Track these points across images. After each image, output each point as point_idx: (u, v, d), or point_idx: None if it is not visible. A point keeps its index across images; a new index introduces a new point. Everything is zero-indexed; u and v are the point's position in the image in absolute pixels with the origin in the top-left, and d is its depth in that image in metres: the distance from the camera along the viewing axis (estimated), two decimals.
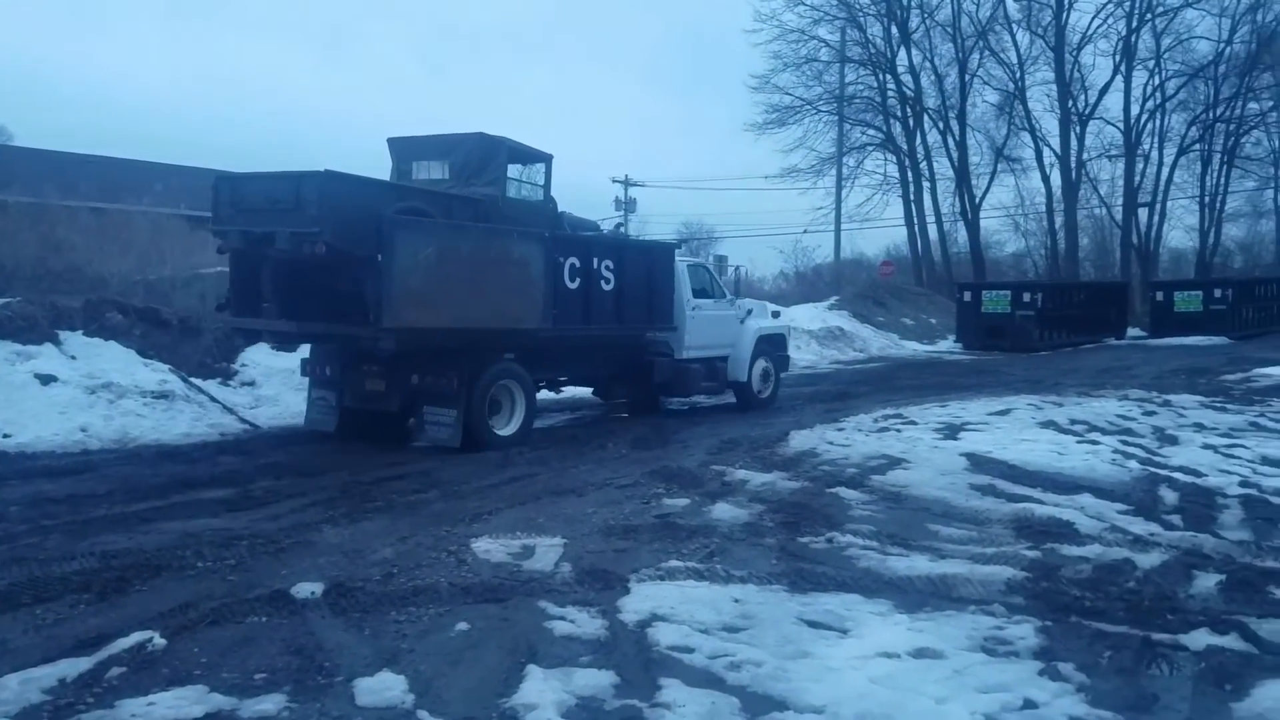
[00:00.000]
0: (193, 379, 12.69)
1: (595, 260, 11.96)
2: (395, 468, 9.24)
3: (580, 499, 7.79)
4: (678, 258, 13.74)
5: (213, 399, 12.39)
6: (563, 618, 4.85)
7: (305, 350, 11.65)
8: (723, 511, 7.26)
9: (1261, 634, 4.63)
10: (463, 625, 4.77)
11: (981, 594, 5.37)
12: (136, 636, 4.59)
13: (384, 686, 4.02)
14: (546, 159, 12.35)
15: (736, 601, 5.09)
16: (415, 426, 10.90)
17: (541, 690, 3.93)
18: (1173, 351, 27.65)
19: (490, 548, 6.15)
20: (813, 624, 4.82)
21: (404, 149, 11.90)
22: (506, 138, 11.74)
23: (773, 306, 17.24)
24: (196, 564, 5.91)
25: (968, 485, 8.27)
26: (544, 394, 12.82)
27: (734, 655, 4.36)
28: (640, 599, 5.11)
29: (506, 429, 10.84)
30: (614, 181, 46.82)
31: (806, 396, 15.55)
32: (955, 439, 10.65)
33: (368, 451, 10.26)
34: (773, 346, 15.03)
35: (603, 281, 12.04)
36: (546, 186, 12.37)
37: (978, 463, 9.15)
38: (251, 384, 13.24)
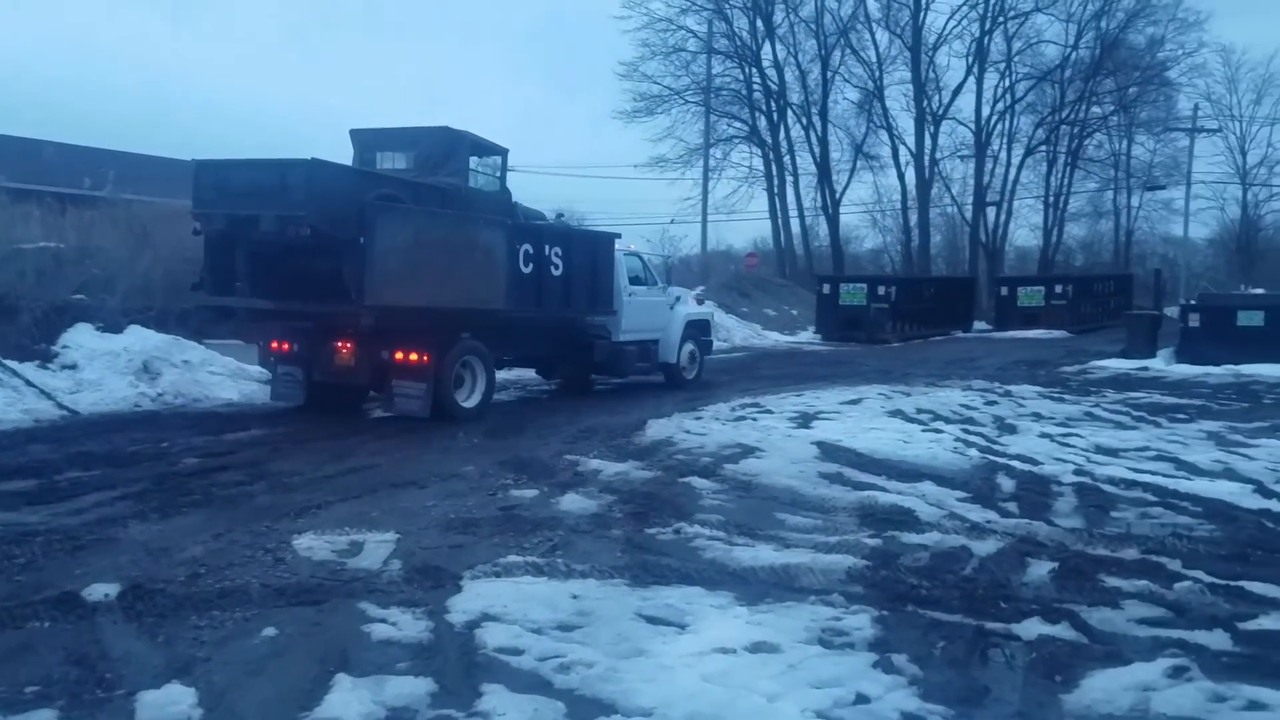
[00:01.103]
0: (7, 361, 11.66)
1: (546, 247, 12.80)
2: (221, 458, 8.62)
3: (421, 491, 7.41)
4: (616, 247, 14.59)
5: (29, 383, 11.40)
6: (384, 620, 4.51)
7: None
8: (571, 503, 7.03)
9: (1091, 623, 4.69)
10: (270, 631, 4.38)
11: (822, 583, 5.31)
12: None
13: (170, 700, 3.62)
14: (503, 152, 13.36)
15: (575, 598, 4.86)
16: (384, 399, 11.42)
17: (348, 701, 3.60)
18: (1016, 344, 28.94)
19: (314, 545, 5.74)
20: (651, 620, 4.63)
21: (367, 140, 12.58)
22: (469, 132, 12.66)
23: (695, 294, 18.43)
24: None
25: (817, 473, 8.31)
26: None
27: (565, 656, 4.12)
28: (472, 598, 4.81)
29: (469, 401, 11.66)
30: None
31: (668, 385, 15.53)
32: (808, 428, 10.74)
33: (194, 441, 9.58)
34: (698, 331, 16.20)
35: (553, 267, 12.88)
36: (502, 178, 13.37)
37: (828, 451, 9.23)
38: (73, 367, 12.24)
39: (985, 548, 6.06)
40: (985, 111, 45.71)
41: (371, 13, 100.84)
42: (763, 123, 43.94)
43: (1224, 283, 52.50)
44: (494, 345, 12.23)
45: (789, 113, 44.07)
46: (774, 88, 43.36)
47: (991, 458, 9.09)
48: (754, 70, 43.15)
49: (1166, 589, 5.19)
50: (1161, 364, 20.07)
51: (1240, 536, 6.24)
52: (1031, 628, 4.63)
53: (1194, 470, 8.56)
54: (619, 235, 15.59)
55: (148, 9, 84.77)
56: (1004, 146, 47.61)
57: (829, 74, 43.65)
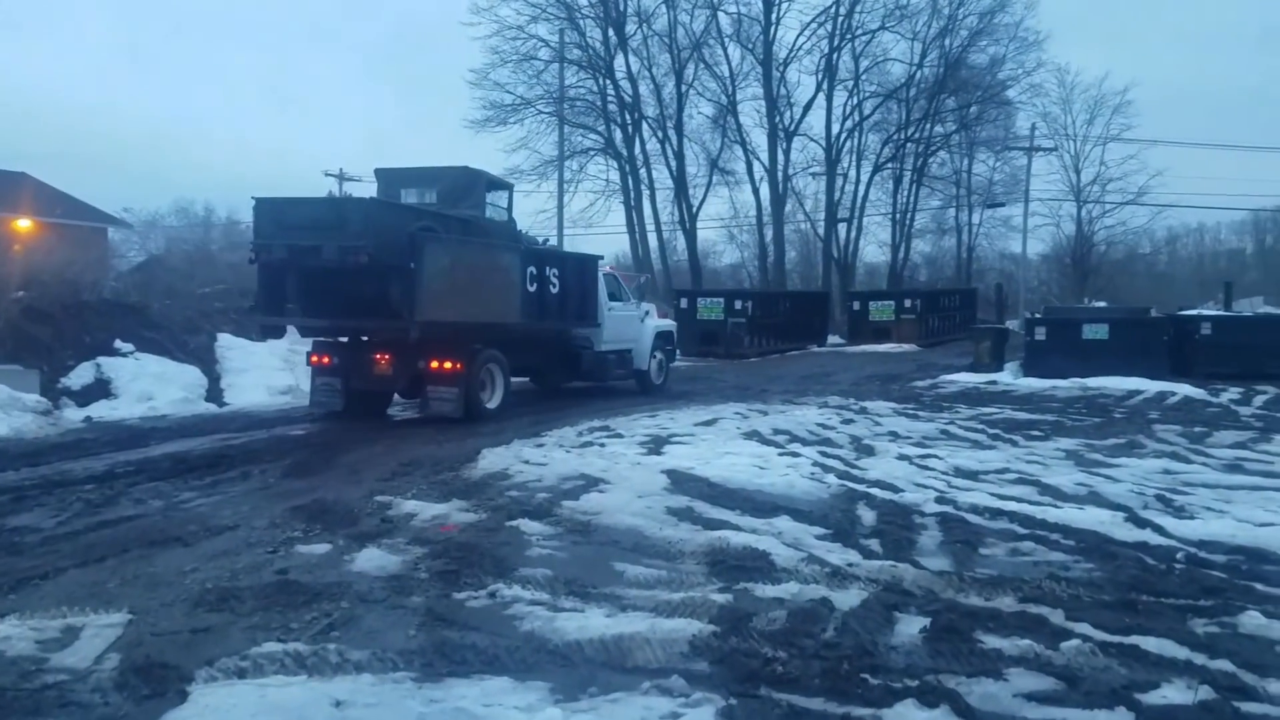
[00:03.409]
0: None
1: (546, 268, 14.53)
2: None
3: (185, 550, 6.10)
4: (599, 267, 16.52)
5: None
6: None
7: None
8: (369, 560, 5.89)
9: (974, 703, 3.90)
10: None
11: (661, 660, 4.38)
12: None
13: None
14: (509, 186, 15.79)
15: (337, 706, 3.75)
16: (420, 402, 13.05)
17: None
18: (868, 358, 29.05)
19: (14, 633, 4.44)
20: None
21: (392, 178, 14.25)
22: (484, 170, 14.78)
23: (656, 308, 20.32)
24: None
25: (665, 509, 7.45)
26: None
27: None
28: (196, 712, 3.65)
29: (491, 403, 13.36)
30: (327, 175, 43.56)
31: (512, 406, 14.50)
32: (659, 454, 9.94)
33: None
34: (665, 342, 18.13)
35: (551, 286, 14.57)
36: (509, 208, 15.20)
37: (678, 481, 8.41)
38: None
39: (848, 599, 5.26)
40: (835, 128, 46.47)
41: (210, 19, 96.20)
42: (618, 135, 43.39)
43: (1057, 296, 55.05)
44: (506, 354, 13.71)
45: (644, 126, 43.69)
46: (628, 100, 42.86)
47: (850, 485, 8.40)
48: (608, 82, 42.55)
49: (1053, 650, 4.46)
50: (1009, 377, 20.22)
51: (1122, 578, 5.62)
52: (906, 714, 3.81)
53: (1059, 495, 8.06)
54: (601, 257, 17.37)
55: None
56: (853, 163, 48.52)
57: (683, 88, 43.50)
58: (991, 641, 4.60)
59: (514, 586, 5.41)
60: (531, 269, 14.08)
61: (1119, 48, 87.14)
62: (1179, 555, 6.07)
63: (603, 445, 10.54)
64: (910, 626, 4.85)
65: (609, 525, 6.98)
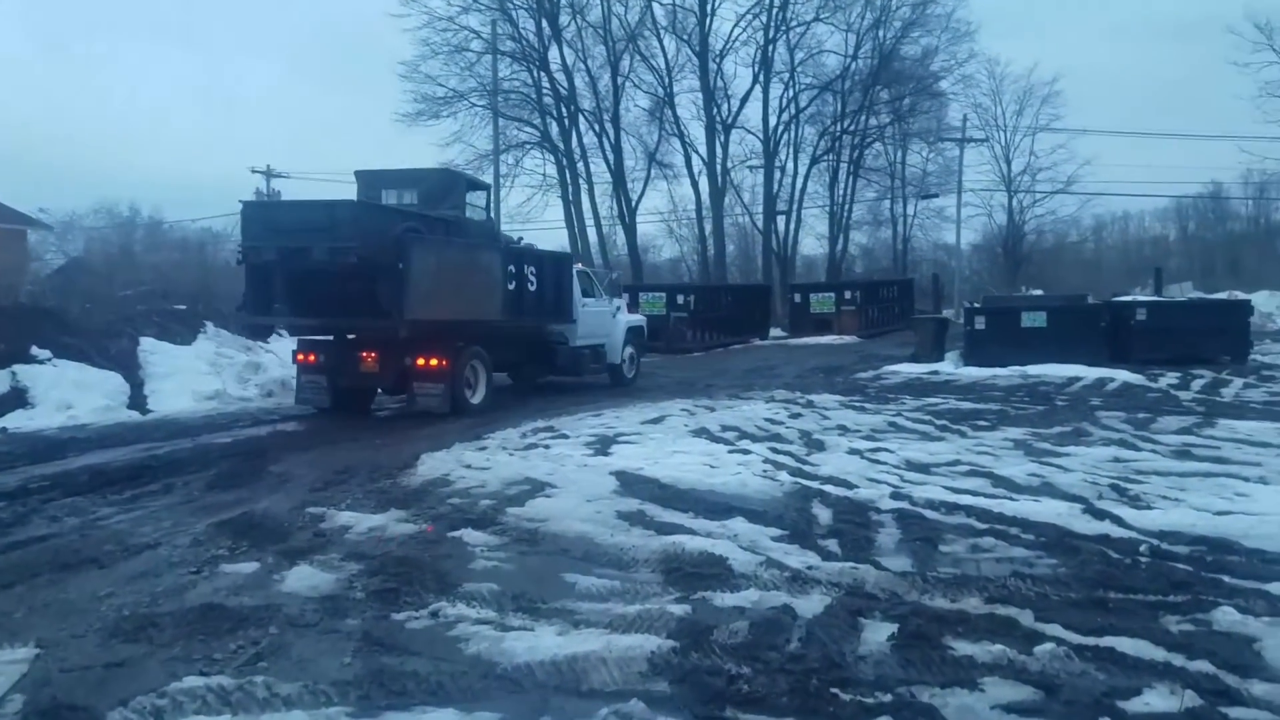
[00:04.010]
0: None
1: (525, 266, 14.87)
2: None
3: (100, 572, 5.66)
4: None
5: None
6: None
7: None
8: (300, 579, 5.51)
9: (950, 716, 3.69)
10: None
11: (619, 682, 4.11)
12: None
13: None
14: (487, 187, 16.59)
15: None
16: (407, 398, 13.32)
17: None
18: (811, 350, 29.08)
19: None
20: None
21: (372, 180, 14.48)
22: (464, 172, 15.33)
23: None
24: None
25: (615, 513, 7.16)
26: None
27: None
28: None
29: (475, 398, 13.69)
30: (254, 172, 42.44)
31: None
32: (607, 454, 9.66)
33: None
34: (636, 336, 18.63)
35: (529, 284, 14.93)
36: (487, 209, 15.94)
37: (628, 483, 8.13)
38: None
39: (811, 606, 5.03)
40: (772, 121, 46.51)
41: (128, 14, 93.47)
42: (555, 129, 42.89)
43: (991, 284, 55.93)
44: (488, 351, 14.03)
45: (581, 119, 43.25)
46: (564, 92, 42.38)
47: (803, 482, 8.20)
48: (542, 74, 42.01)
49: (1026, 654, 4.28)
50: (951, 367, 20.30)
51: (1087, 573, 5.48)
52: None
53: (1013, 487, 7.95)
54: (575, 256, 18.11)
55: None
56: (790, 156, 48.64)
57: (619, 80, 43.19)
58: (962, 648, 4.41)
59: (458, 604, 5.09)
60: (511, 267, 14.41)
61: (1046, 39, 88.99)
62: (1142, 548, 5.95)
63: (548, 447, 10.23)
64: (877, 634, 4.64)
65: (557, 533, 6.67)
